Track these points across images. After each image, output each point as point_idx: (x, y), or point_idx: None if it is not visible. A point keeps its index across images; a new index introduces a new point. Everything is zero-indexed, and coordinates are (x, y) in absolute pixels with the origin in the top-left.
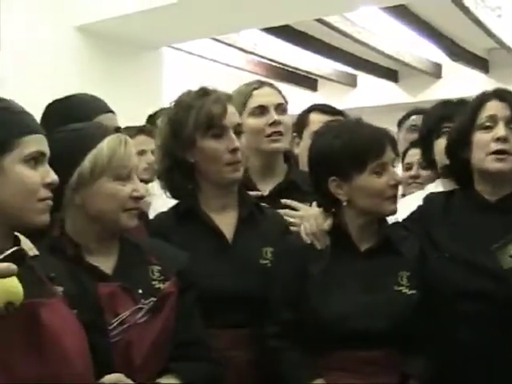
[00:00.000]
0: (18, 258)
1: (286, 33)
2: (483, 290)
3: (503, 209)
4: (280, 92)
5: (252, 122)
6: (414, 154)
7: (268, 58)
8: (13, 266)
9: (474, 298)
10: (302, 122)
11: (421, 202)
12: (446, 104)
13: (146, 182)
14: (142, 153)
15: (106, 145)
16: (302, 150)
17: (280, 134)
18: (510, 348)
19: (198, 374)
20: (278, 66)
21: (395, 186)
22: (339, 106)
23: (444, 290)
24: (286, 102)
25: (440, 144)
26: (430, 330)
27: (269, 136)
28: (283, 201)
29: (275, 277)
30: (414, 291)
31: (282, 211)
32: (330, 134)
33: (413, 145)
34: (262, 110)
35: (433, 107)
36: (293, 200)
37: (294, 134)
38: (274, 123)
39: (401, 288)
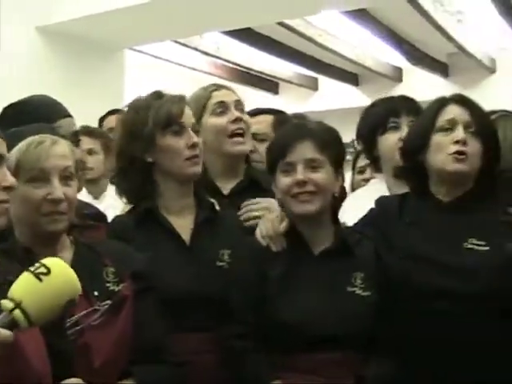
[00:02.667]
0: None
1: (248, 36)
2: (446, 288)
3: (456, 209)
4: (235, 92)
5: (214, 120)
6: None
7: (230, 61)
8: None
9: (436, 297)
10: None
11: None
12: (390, 99)
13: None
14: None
15: (18, 146)
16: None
17: (242, 132)
18: (472, 345)
19: (158, 377)
20: (239, 69)
21: (298, 185)
22: (300, 110)
23: (406, 290)
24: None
25: (386, 140)
26: (390, 330)
27: (231, 137)
28: (243, 204)
29: (233, 279)
30: (368, 292)
31: (245, 207)
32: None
33: None
34: (222, 107)
35: (375, 103)
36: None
37: None
38: (236, 120)
39: (354, 289)
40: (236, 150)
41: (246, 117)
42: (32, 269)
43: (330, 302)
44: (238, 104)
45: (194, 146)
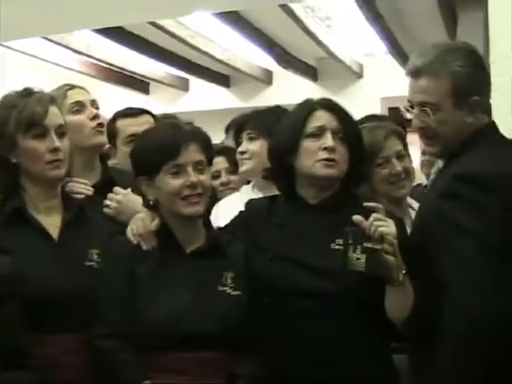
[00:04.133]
0: None
1: (119, 35)
2: (312, 288)
3: (323, 211)
4: (88, 91)
5: (72, 118)
6: (220, 162)
7: (101, 59)
8: None
9: (303, 297)
10: (111, 131)
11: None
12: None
13: None
14: None
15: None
16: (119, 159)
17: (102, 126)
18: (341, 343)
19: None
20: (110, 68)
21: (191, 187)
22: (171, 110)
23: (274, 290)
24: None
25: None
26: (261, 329)
27: (91, 129)
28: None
29: (102, 278)
30: (238, 292)
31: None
32: (143, 135)
33: (217, 153)
34: (79, 105)
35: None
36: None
37: (109, 146)
38: (95, 117)
39: (225, 288)
40: (96, 141)
41: (101, 115)
42: None
43: (201, 301)
44: (94, 103)
45: (55, 150)
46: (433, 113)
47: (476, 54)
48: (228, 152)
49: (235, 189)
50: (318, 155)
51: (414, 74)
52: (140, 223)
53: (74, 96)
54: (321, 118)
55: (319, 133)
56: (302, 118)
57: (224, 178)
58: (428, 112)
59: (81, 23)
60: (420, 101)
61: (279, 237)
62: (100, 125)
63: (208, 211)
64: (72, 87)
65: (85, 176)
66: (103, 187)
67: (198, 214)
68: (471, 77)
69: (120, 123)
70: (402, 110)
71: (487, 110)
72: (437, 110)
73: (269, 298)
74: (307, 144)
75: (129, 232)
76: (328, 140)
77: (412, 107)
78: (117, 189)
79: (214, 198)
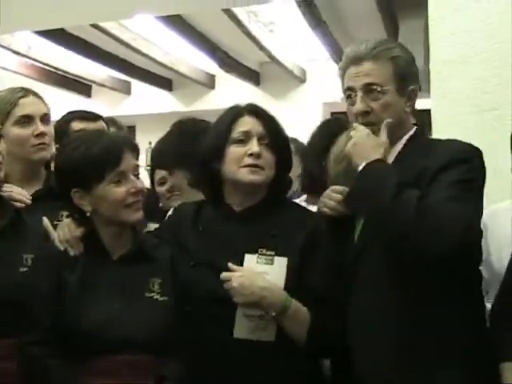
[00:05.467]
0: None
1: (60, 37)
2: (228, 294)
3: (247, 218)
4: (43, 100)
5: (17, 131)
6: None
7: (42, 61)
8: None
9: (220, 303)
10: (63, 131)
11: None
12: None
13: None
14: None
15: None
16: None
17: (45, 144)
18: (255, 349)
19: None
20: (51, 70)
21: (135, 194)
22: (113, 113)
23: (197, 296)
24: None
25: None
26: (185, 334)
27: (34, 146)
28: None
29: (33, 284)
30: (165, 297)
31: None
32: (70, 145)
33: None
34: (28, 119)
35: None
36: (50, 207)
37: (57, 147)
38: (40, 134)
39: (152, 294)
40: (39, 156)
41: (50, 128)
42: None
43: (128, 306)
44: (44, 117)
45: None
46: (379, 94)
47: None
48: None
49: (181, 196)
50: (243, 161)
51: (357, 60)
52: (66, 229)
53: (24, 108)
54: (247, 124)
55: (245, 138)
56: (227, 124)
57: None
58: (375, 93)
59: (22, 24)
60: (365, 82)
61: (202, 243)
62: (42, 144)
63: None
64: (26, 94)
65: (26, 183)
66: (44, 195)
67: (140, 219)
68: (410, 66)
69: (75, 125)
70: (340, 100)
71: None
72: (382, 93)
73: (189, 305)
74: (233, 150)
75: (56, 239)
76: (253, 146)
77: (351, 96)
78: None
79: (156, 203)
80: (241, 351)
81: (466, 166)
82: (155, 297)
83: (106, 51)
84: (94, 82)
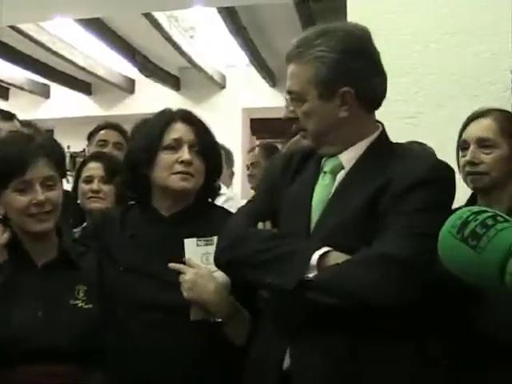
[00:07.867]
0: None
1: None
2: (162, 300)
3: (175, 223)
4: None
5: None
6: (95, 168)
7: None
8: None
9: (153, 309)
10: None
11: None
12: None
13: None
14: None
15: None
16: None
17: None
18: (187, 356)
19: None
20: None
21: (38, 205)
22: (32, 117)
23: (125, 302)
24: None
25: None
26: (111, 342)
27: None
28: None
29: None
30: (90, 305)
31: None
32: None
33: (93, 158)
34: None
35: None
36: None
37: None
38: None
39: (77, 302)
40: None
41: None
42: None
43: (52, 314)
44: None
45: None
46: (298, 102)
47: (356, 39)
48: (106, 159)
49: (104, 199)
50: (174, 168)
51: (286, 60)
52: None
53: None
54: (178, 131)
55: (176, 146)
56: (159, 130)
57: (95, 185)
58: (294, 102)
59: None
60: (287, 89)
61: (130, 248)
62: None
63: (65, 222)
64: None
65: None
66: None
67: (47, 230)
68: (339, 64)
69: None
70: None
71: (376, 103)
72: (300, 101)
73: (120, 311)
74: (164, 156)
75: None
76: (184, 153)
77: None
78: None
79: (75, 203)
80: (173, 358)
81: (435, 187)
82: (80, 304)
83: (24, 53)
84: (12, 85)
